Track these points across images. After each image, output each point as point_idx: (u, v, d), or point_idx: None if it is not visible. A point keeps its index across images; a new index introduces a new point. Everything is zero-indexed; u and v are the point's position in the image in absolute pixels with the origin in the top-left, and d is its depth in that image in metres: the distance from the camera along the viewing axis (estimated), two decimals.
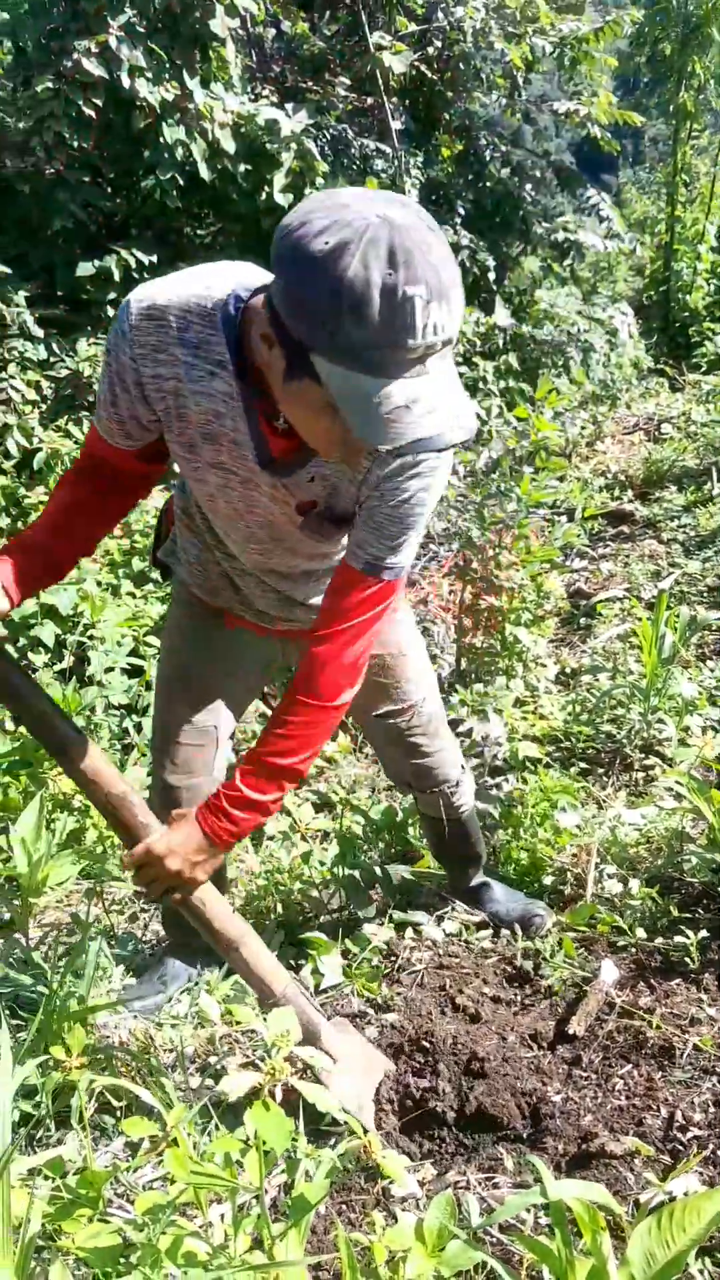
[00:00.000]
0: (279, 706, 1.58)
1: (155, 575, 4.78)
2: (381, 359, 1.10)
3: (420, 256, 1.08)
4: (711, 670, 3.75)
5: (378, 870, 2.42)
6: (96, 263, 6.08)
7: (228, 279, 1.39)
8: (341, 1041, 1.66)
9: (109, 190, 6.45)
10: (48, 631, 4.09)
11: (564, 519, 4.97)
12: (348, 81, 7.61)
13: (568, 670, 4.13)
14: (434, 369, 1.14)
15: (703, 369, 8.75)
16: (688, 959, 1.99)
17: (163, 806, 1.99)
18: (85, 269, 6.07)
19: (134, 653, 4.18)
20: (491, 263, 7.48)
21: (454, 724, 3.00)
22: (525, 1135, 1.66)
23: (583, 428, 6.81)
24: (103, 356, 1.49)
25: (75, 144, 5.74)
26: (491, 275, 7.55)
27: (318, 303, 1.10)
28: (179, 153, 5.86)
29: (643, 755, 3.27)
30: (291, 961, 2.14)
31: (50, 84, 5.50)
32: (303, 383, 1.21)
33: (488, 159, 8.54)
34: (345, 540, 1.60)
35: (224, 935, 1.60)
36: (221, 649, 1.93)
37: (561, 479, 5.84)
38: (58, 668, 4.08)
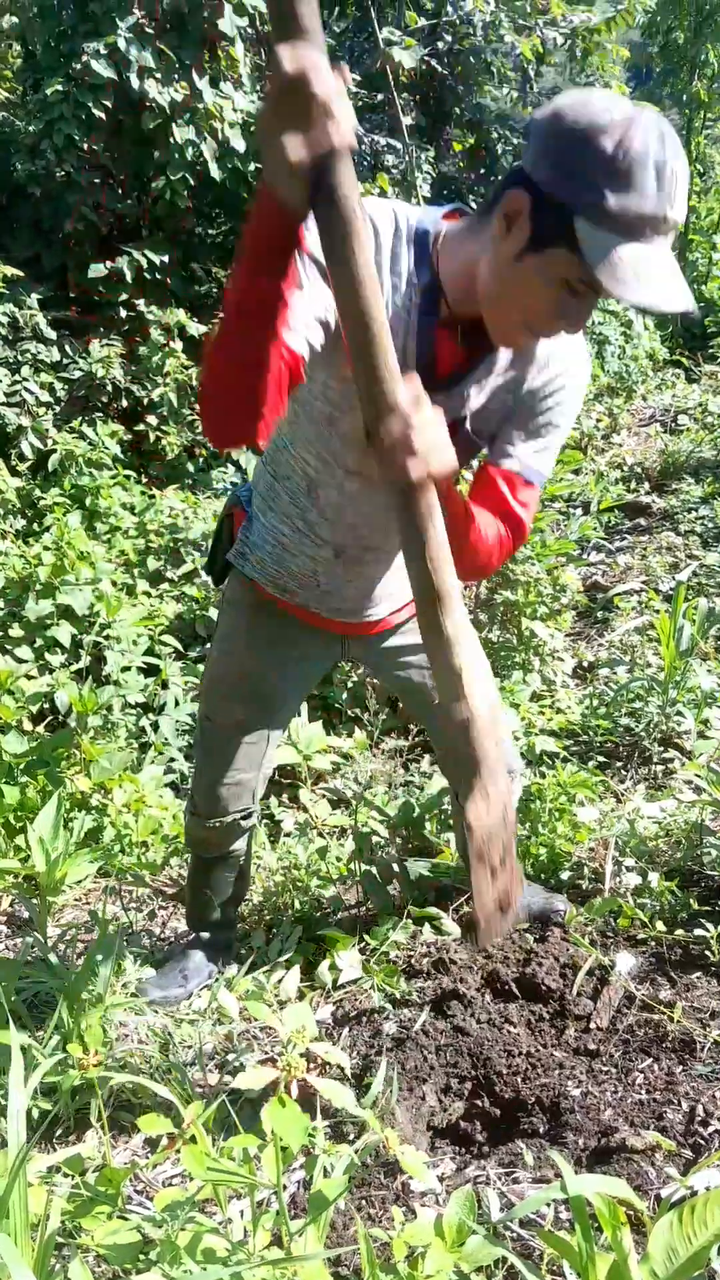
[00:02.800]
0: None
1: (170, 574, 4.79)
2: (642, 225, 1.21)
3: (676, 142, 1.22)
4: None
5: (395, 866, 2.42)
6: (109, 264, 6.10)
7: (409, 208, 1.47)
8: (494, 793, 1.47)
9: (120, 192, 6.47)
10: (64, 631, 4.10)
11: (580, 512, 4.94)
12: (357, 77, 7.59)
13: (585, 664, 4.11)
14: (667, 248, 1.25)
15: (718, 359, 8.68)
16: (708, 952, 1.97)
17: (206, 803, 1.99)
18: (97, 270, 6.09)
19: (150, 652, 4.19)
20: None
21: None
22: (545, 1130, 1.65)
23: (598, 421, 6.76)
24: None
25: (86, 146, 5.75)
26: None
27: (597, 166, 1.20)
28: (189, 153, 5.87)
29: (661, 748, 3.25)
30: (309, 957, 2.13)
31: (60, 86, 5.52)
32: (548, 253, 1.28)
33: (499, 153, 8.50)
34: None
35: (447, 628, 1.36)
36: (283, 655, 1.91)
37: (577, 472, 5.81)
38: (74, 668, 4.09)
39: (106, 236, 6.49)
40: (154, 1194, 1.46)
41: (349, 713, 4.24)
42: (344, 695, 4.24)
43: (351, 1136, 1.58)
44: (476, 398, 1.56)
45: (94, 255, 6.22)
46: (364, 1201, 1.46)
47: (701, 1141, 1.55)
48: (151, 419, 6.09)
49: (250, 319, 1.29)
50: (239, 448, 1.62)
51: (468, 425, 1.58)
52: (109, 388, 6.01)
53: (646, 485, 6.01)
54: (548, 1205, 1.42)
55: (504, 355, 1.54)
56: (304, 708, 4.00)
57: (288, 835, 3.09)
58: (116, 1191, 1.32)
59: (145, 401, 6.11)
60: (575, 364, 1.58)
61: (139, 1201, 1.52)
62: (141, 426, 6.07)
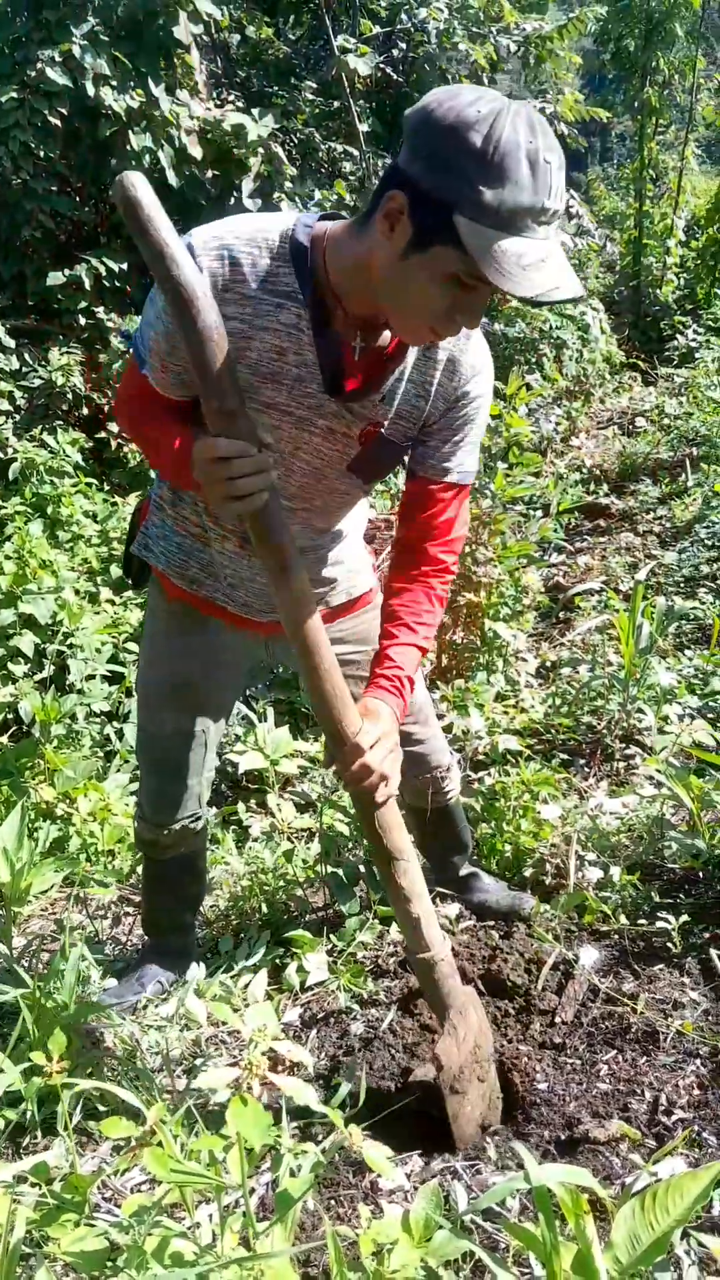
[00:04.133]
0: (402, 602, 1.71)
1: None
2: (521, 217, 1.21)
3: (547, 130, 1.23)
4: (689, 659, 3.77)
5: (362, 868, 2.42)
6: (67, 272, 6.06)
7: (281, 217, 1.45)
8: (463, 1030, 1.65)
9: (77, 199, 6.44)
10: (27, 641, 4.07)
11: (540, 514, 4.98)
12: (314, 85, 7.62)
13: (548, 664, 4.14)
14: (552, 238, 1.26)
15: (674, 362, 8.80)
16: (670, 944, 2.00)
17: (154, 809, 1.99)
18: (55, 279, 6.05)
19: (114, 659, 4.17)
20: None
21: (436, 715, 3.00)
22: (511, 1124, 1.66)
23: (557, 423, 6.83)
24: (149, 313, 1.47)
25: (42, 153, 5.72)
26: None
27: (469, 161, 1.20)
28: (146, 160, 5.85)
29: (623, 745, 3.29)
30: (277, 960, 2.14)
31: (14, 94, 5.48)
32: (433, 250, 1.28)
33: None
34: (362, 499, 1.77)
35: (400, 870, 1.59)
36: (205, 656, 1.90)
37: (537, 475, 5.86)
38: (38, 677, 4.06)
39: (64, 244, 6.46)
40: (122, 1201, 1.46)
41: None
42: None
43: (320, 1137, 1.59)
44: (389, 405, 1.56)
45: (52, 263, 6.18)
46: (333, 1201, 1.47)
47: (665, 1130, 1.57)
48: (113, 426, 6.06)
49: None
50: None
51: (385, 433, 1.59)
52: (69, 396, 5.98)
53: (605, 487, 6.08)
54: (514, 1198, 1.43)
55: (409, 360, 1.54)
56: (270, 711, 4.00)
57: (255, 840, 3.09)
58: (83, 1199, 1.31)
59: (106, 409, 6.08)
60: (481, 362, 1.60)
61: (107, 1209, 1.51)
62: (103, 434, 6.04)
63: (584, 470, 6.28)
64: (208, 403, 1.32)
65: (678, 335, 9.20)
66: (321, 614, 1.89)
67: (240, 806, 3.58)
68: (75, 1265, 1.24)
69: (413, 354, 1.54)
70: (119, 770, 3.60)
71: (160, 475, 1.53)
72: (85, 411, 6.11)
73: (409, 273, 1.32)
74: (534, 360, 7.29)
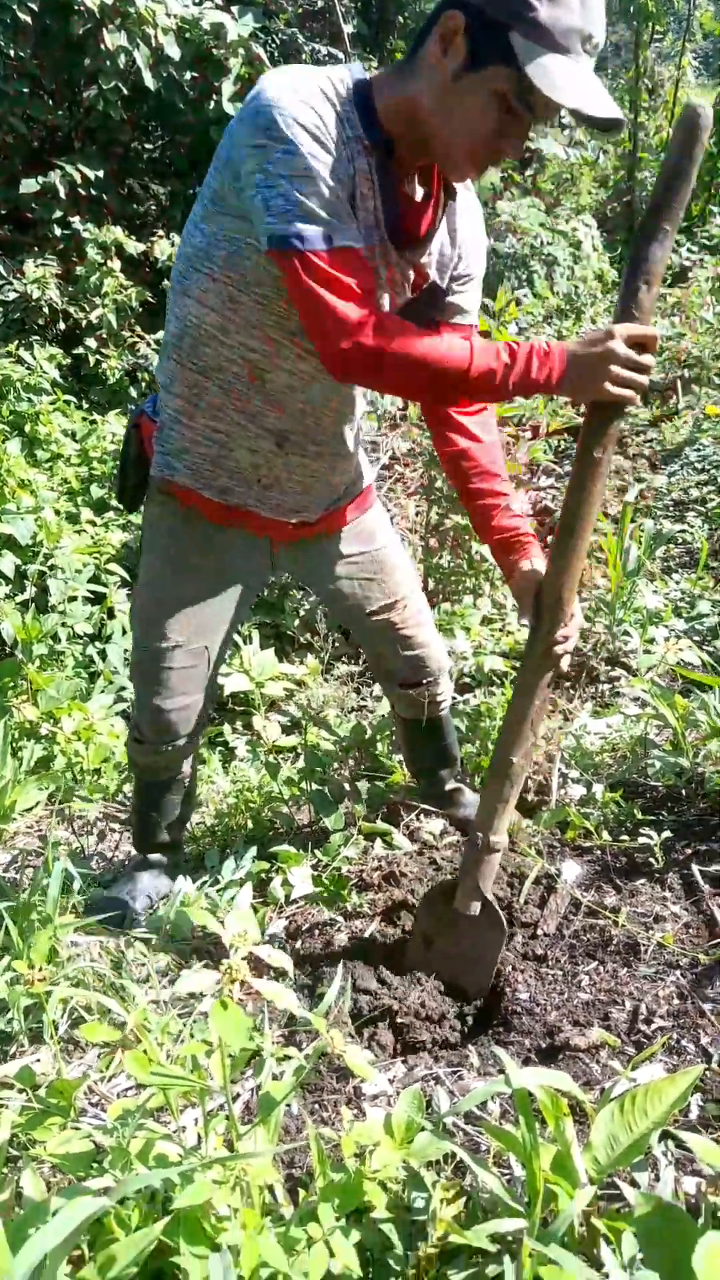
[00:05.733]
0: (483, 458, 1.84)
1: (116, 503, 4.70)
2: (571, 38, 1.31)
3: None
4: (676, 583, 3.76)
5: (347, 785, 2.43)
6: (41, 179, 5.85)
7: (335, 68, 1.47)
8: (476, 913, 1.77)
9: (50, 102, 6.18)
10: (7, 562, 4.01)
11: (529, 435, 4.91)
12: None
13: None
14: (592, 69, 1.37)
15: (667, 281, 8.61)
16: (652, 859, 2.01)
17: (154, 730, 1.97)
18: (29, 186, 5.84)
19: (95, 580, 4.12)
20: None
21: None
22: (493, 1032, 1.69)
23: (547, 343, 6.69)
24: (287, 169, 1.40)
25: (12, 53, 5.47)
26: None
27: None
28: (121, 60, 5.61)
29: (608, 667, 3.29)
30: (262, 875, 2.15)
31: None
32: (487, 70, 1.36)
33: None
34: None
35: (523, 742, 1.70)
36: (212, 574, 1.87)
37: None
38: (19, 599, 4.02)
39: (37, 150, 6.22)
40: (108, 1107, 1.48)
41: (301, 639, 4.23)
42: (295, 622, 4.22)
43: (303, 1044, 1.61)
44: (431, 254, 1.64)
45: (24, 170, 5.96)
46: (316, 1105, 1.49)
47: (645, 1039, 1.60)
48: (91, 342, 5.92)
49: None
50: None
51: (432, 275, 1.66)
52: (45, 310, 5.82)
53: None
54: (495, 1102, 1.46)
55: (456, 207, 1.64)
56: (255, 635, 3.98)
57: (240, 760, 3.10)
58: (68, 1104, 1.33)
59: (84, 324, 5.93)
60: (479, 216, 1.74)
61: (93, 1114, 1.53)
62: (81, 350, 5.90)
63: None
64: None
65: (672, 253, 8.98)
66: (348, 508, 1.98)
67: (226, 728, 3.58)
68: (61, 1167, 1.25)
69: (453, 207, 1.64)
70: (103, 691, 3.58)
71: (448, 386, 1.49)
72: (62, 326, 5.95)
73: (460, 95, 1.39)
74: (524, 277, 7.11)
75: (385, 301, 1.62)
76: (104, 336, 5.95)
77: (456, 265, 1.69)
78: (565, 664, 1.69)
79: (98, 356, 5.89)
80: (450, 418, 1.82)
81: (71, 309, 5.92)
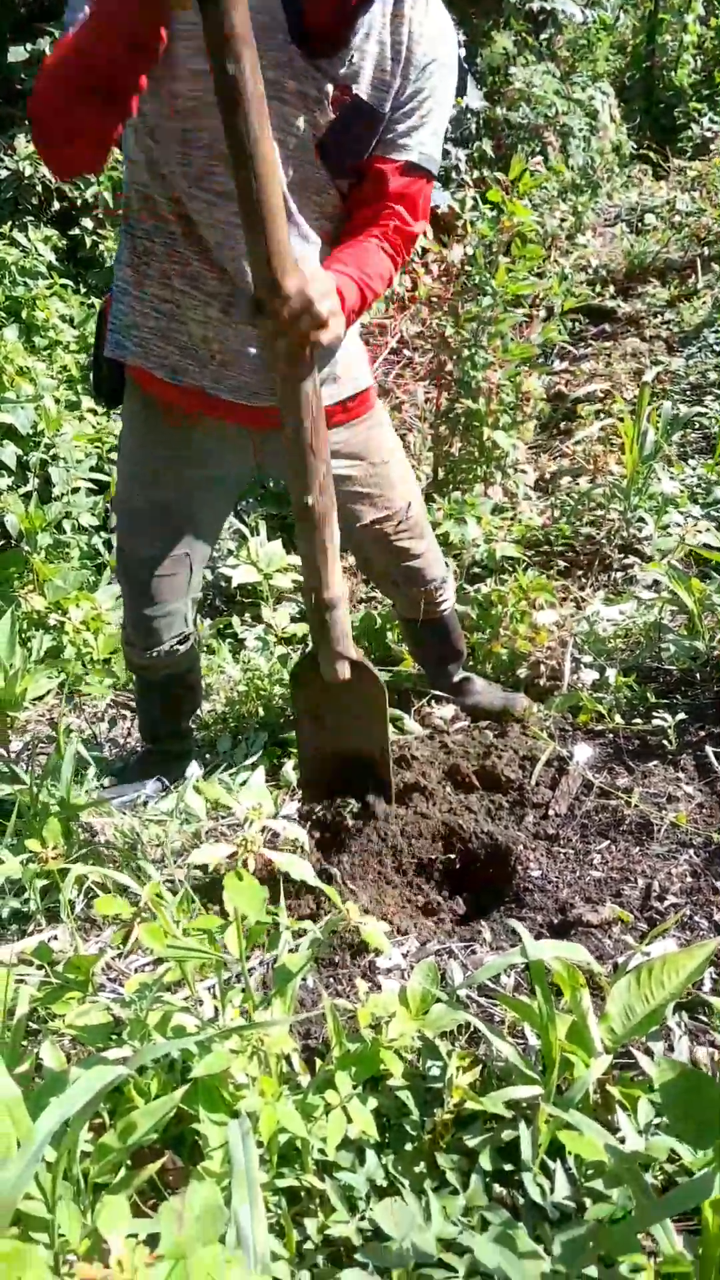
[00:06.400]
0: (347, 248, 1.54)
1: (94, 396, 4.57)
2: None
3: None
4: (693, 469, 3.67)
5: None
6: (29, 46, 5.52)
7: None
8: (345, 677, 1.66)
9: None
10: (8, 453, 3.93)
11: (543, 314, 4.74)
12: None
13: (546, 476, 4.03)
14: None
15: (688, 153, 8.22)
16: (665, 742, 1.99)
17: (139, 635, 1.94)
18: (18, 54, 5.52)
19: (97, 468, 4.05)
20: (461, 38, 6.85)
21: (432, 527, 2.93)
22: (505, 909, 1.70)
23: (562, 220, 6.42)
24: None
25: None
26: (462, 52, 6.92)
27: None
28: None
29: (622, 555, 3.23)
30: (274, 760, 2.14)
31: None
32: None
33: None
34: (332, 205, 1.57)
35: (315, 476, 1.44)
36: (190, 477, 1.78)
37: (540, 275, 5.55)
38: (22, 490, 3.95)
39: (25, 17, 5.87)
40: (125, 982, 1.50)
41: None
42: None
43: (319, 919, 1.62)
44: (360, 68, 1.44)
45: (13, 37, 5.63)
46: (331, 979, 1.50)
47: (658, 916, 1.60)
48: (87, 222, 5.67)
49: (96, 76, 1.24)
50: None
51: (358, 95, 1.46)
52: (39, 188, 5.57)
53: (611, 289, 5.78)
54: (507, 975, 1.47)
55: (376, 14, 1.42)
56: (263, 525, 3.92)
57: (251, 650, 3.08)
58: (86, 978, 1.34)
59: (79, 203, 5.67)
60: (442, 27, 1.50)
61: (111, 989, 1.55)
62: (77, 231, 5.66)
63: (589, 271, 5.95)
64: None
65: (692, 124, 8.56)
66: (335, 411, 1.78)
67: (235, 620, 3.56)
68: (80, 1038, 1.27)
69: (379, 7, 1.42)
70: (110, 582, 3.55)
71: (89, 52, 1.22)
72: (58, 206, 5.70)
73: None
74: (538, 149, 6.78)
75: (301, 124, 1.43)
76: (100, 217, 5.70)
77: (400, 87, 1.47)
78: (324, 338, 1.33)
79: (94, 238, 5.66)
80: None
81: (66, 187, 5.67)
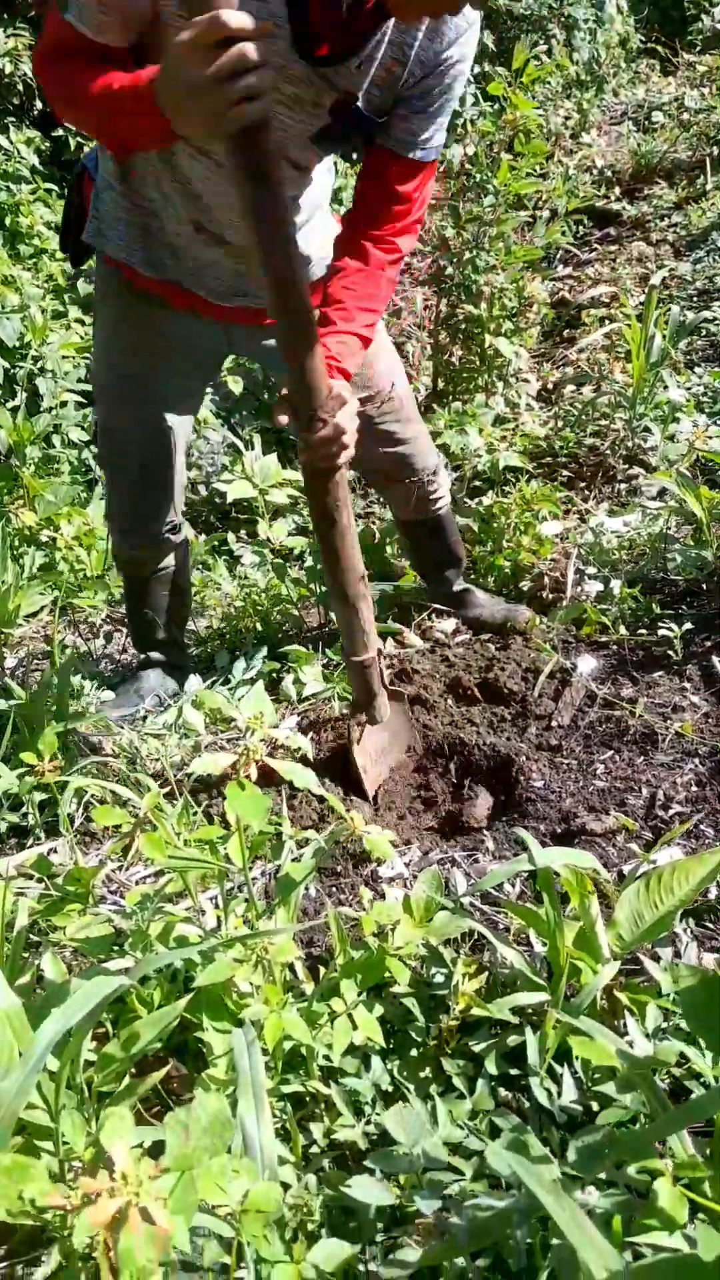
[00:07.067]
0: (347, 284, 1.54)
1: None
2: None
3: None
4: (699, 377, 3.56)
5: None
6: None
7: None
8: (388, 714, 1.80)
9: None
10: None
11: (546, 215, 4.57)
12: None
13: (550, 386, 3.92)
14: None
15: (697, 47, 7.85)
16: (670, 652, 1.96)
17: (125, 520, 1.90)
18: None
19: (85, 380, 3.94)
20: None
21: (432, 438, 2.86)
22: (508, 820, 1.68)
23: (566, 118, 6.16)
24: None
25: None
26: None
27: None
28: None
29: (626, 466, 3.16)
30: (274, 675, 2.11)
31: None
32: None
33: None
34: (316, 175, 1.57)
35: (345, 554, 1.54)
36: (163, 352, 1.76)
37: (544, 176, 5.35)
38: (10, 405, 3.85)
39: None
40: (126, 895, 1.48)
41: None
42: None
43: (321, 829, 1.60)
44: (365, 73, 1.37)
45: None
46: (334, 889, 1.49)
47: (662, 824, 1.59)
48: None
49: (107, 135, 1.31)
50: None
51: (359, 106, 1.40)
52: (20, 87, 5.32)
53: (617, 190, 5.57)
54: (511, 885, 1.46)
55: (392, 23, 1.33)
56: (257, 440, 3.83)
57: (247, 565, 3.02)
58: (86, 890, 1.32)
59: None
60: (468, 21, 1.39)
61: (112, 902, 1.54)
62: (60, 132, 5.44)
63: (594, 171, 5.72)
64: None
65: (703, 16, 8.15)
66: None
67: (230, 536, 3.49)
68: (82, 950, 1.26)
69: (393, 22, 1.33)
70: (102, 498, 3.48)
71: (109, 133, 1.26)
72: (40, 106, 5.46)
73: None
74: (541, 40, 6.47)
75: (281, 119, 1.38)
76: None
77: (408, 85, 1.41)
78: (344, 459, 1.42)
79: (78, 139, 5.44)
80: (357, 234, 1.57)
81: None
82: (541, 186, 4.23)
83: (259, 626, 2.38)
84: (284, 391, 1.36)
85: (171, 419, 1.82)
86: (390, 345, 1.95)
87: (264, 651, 2.18)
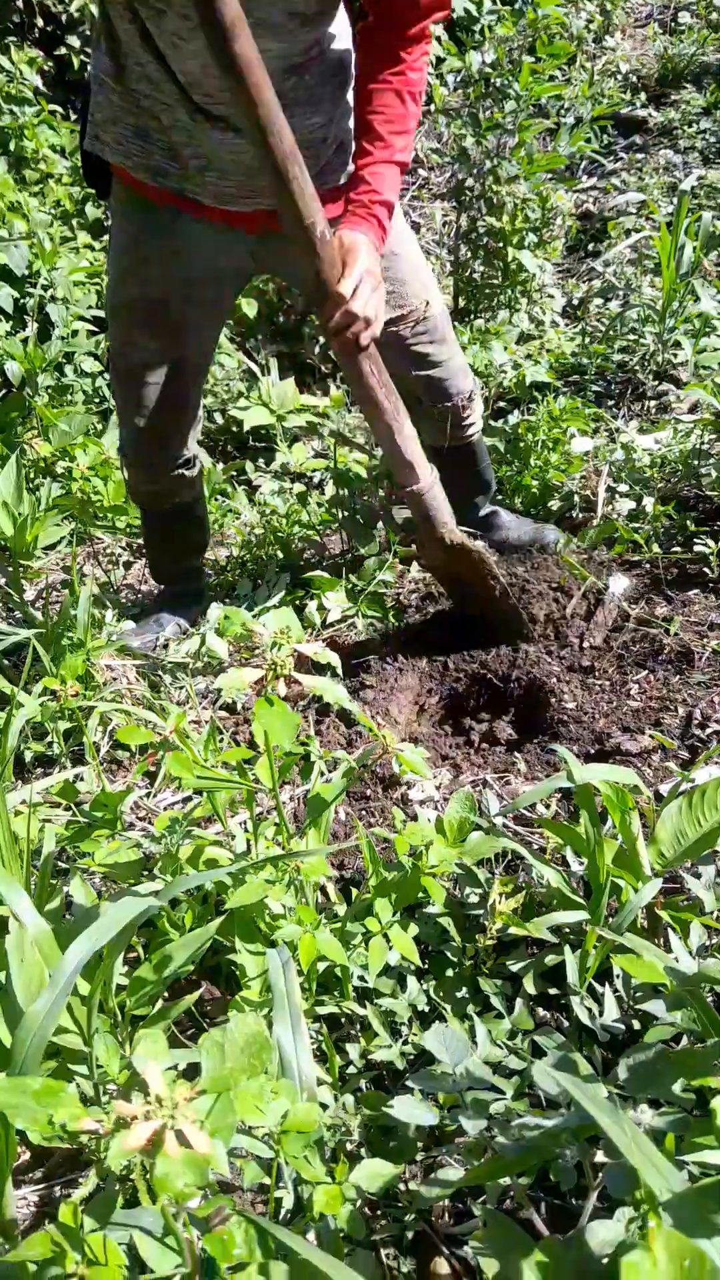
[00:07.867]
0: (375, 107, 1.49)
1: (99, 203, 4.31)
2: None
3: None
4: None
5: (380, 508, 2.30)
6: None
7: None
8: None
9: None
10: (4, 294, 3.72)
11: (570, 122, 4.38)
12: None
13: (575, 301, 3.79)
14: None
15: None
16: (706, 569, 1.90)
17: (136, 449, 1.84)
18: None
19: (96, 306, 3.85)
20: None
21: None
22: (539, 741, 1.65)
23: (589, 20, 5.88)
24: None
25: None
26: None
27: None
28: None
29: (656, 382, 3.05)
30: (296, 602, 2.07)
31: None
32: None
33: None
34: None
35: (383, 405, 1.59)
36: (182, 272, 1.64)
37: (567, 81, 5.12)
38: (21, 335, 3.76)
39: None
40: (154, 820, 1.46)
41: (322, 369, 3.98)
42: (316, 350, 3.95)
43: (351, 750, 1.58)
44: None
45: None
46: (364, 812, 1.47)
47: (699, 743, 1.55)
48: (74, 40, 5.24)
49: None
50: None
51: None
52: (19, 3, 5.12)
53: (643, 96, 5.33)
54: (546, 805, 1.43)
55: None
56: (274, 365, 3.73)
57: (267, 494, 2.96)
58: (114, 816, 1.30)
59: (65, 19, 5.22)
60: None
61: (140, 828, 1.53)
62: (63, 50, 5.24)
63: (620, 76, 5.48)
64: None
65: None
66: (328, 206, 1.62)
67: (248, 465, 3.43)
68: (111, 875, 1.24)
69: None
70: (116, 427, 3.41)
71: None
72: (41, 23, 5.26)
73: None
74: None
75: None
76: (88, 32, 5.26)
77: None
78: (363, 341, 1.46)
79: (83, 58, 5.24)
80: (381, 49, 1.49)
81: (49, 1, 5.21)
82: (564, 92, 4.05)
83: (280, 554, 2.33)
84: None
85: (187, 350, 1.73)
86: (424, 262, 1.84)
87: (286, 578, 2.14)
